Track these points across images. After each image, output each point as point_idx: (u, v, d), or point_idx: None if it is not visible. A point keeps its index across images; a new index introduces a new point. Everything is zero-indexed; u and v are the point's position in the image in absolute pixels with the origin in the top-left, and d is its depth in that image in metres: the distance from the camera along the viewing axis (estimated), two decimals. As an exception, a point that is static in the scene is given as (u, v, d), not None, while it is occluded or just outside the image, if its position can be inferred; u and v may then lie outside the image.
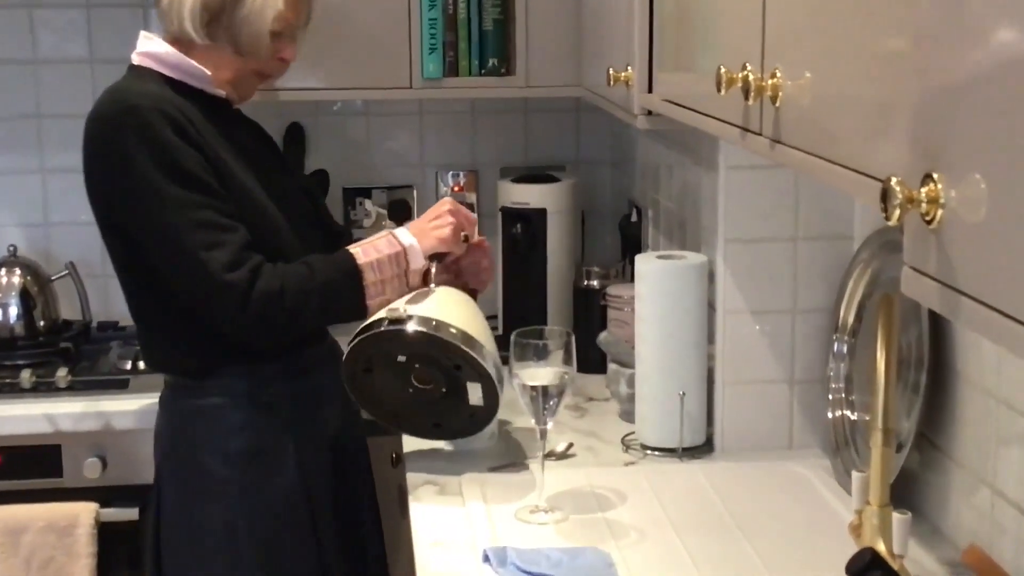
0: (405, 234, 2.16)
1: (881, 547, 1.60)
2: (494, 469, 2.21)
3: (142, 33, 2.21)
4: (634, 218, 2.91)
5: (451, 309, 2.11)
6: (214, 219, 2.03)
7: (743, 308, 2.24)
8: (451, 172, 3.23)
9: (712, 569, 1.83)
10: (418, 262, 2.14)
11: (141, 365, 2.66)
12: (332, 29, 2.72)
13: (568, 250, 2.96)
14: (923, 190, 0.99)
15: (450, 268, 2.22)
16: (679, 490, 2.11)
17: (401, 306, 2.08)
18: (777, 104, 1.45)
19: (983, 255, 0.93)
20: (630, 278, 2.47)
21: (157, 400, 2.27)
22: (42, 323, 2.96)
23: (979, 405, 1.78)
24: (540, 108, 3.23)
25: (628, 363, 2.42)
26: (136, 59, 2.18)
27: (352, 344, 2.11)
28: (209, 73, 2.15)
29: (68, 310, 3.05)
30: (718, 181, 2.22)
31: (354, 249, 2.13)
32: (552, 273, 2.92)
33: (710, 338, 2.28)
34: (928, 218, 0.99)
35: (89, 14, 3.11)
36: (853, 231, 2.22)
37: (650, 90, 2.14)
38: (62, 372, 2.73)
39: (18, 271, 2.96)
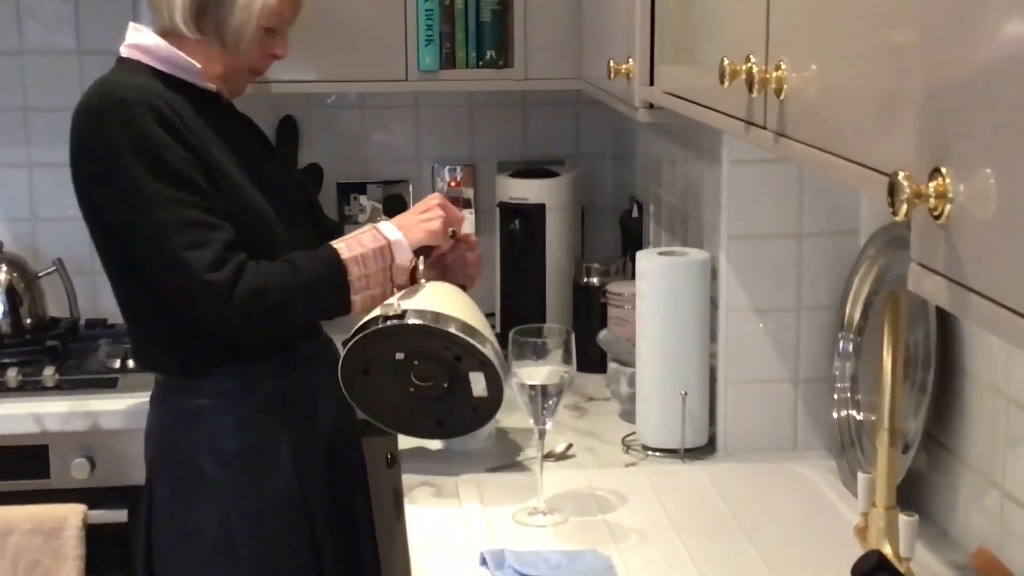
0: (390, 228, 2.15)
1: (888, 550, 1.60)
2: (492, 470, 2.21)
3: (131, 25, 2.20)
4: (635, 214, 2.91)
5: (446, 300, 2.11)
6: (199, 217, 2.02)
7: (746, 306, 2.23)
8: (448, 167, 3.21)
9: (715, 573, 1.82)
10: (403, 256, 2.13)
11: (130, 364, 2.67)
12: (326, 20, 2.70)
13: (568, 246, 2.94)
14: (931, 185, 0.99)
15: (435, 264, 2.23)
16: (681, 492, 2.11)
17: (395, 302, 2.09)
18: (782, 97, 1.44)
19: (993, 251, 0.93)
20: (631, 275, 2.47)
21: (147, 399, 2.26)
22: (29, 321, 2.93)
23: (988, 405, 1.78)
24: (539, 101, 3.21)
25: (629, 362, 2.41)
26: (124, 51, 2.16)
27: (349, 345, 2.10)
28: (199, 67, 2.14)
29: (55, 307, 3.02)
30: (721, 176, 2.21)
31: (338, 244, 2.13)
32: (551, 270, 2.90)
33: (713, 336, 2.27)
34: (936, 213, 0.99)
35: (77, 5, 3.08)
36: (859, 227, 2.21)
37: (652, 83, 2.13)
38: (49, 371, 2.71)
39: (4, 267, 2.93)
